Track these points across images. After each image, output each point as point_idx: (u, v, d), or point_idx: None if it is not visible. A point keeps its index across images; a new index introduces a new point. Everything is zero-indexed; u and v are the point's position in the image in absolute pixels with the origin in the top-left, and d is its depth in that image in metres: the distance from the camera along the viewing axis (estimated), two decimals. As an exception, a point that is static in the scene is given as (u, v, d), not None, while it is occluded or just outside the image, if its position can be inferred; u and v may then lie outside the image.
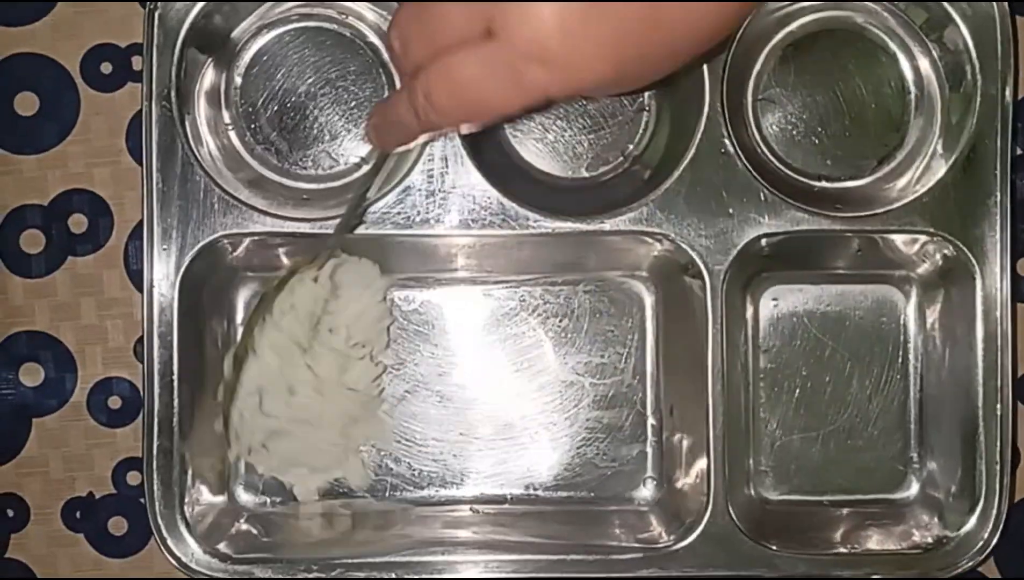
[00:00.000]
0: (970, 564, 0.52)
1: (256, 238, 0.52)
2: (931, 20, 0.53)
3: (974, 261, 0.52)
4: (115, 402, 0.55)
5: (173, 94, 0.51)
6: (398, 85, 0.53)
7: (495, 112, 0.37)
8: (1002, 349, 0.52)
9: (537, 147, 0.55)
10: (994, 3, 0.51)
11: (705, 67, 0.51)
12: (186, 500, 0.51)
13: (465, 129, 0.41)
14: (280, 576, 0.51)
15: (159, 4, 0.51)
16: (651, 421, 0.56)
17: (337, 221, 0.50)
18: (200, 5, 0.51)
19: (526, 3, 0.34)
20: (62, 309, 0.55)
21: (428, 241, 0.52)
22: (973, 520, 0.52)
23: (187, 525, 0.51)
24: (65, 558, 0.55)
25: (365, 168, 0.54)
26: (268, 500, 0.55)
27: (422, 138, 0.43)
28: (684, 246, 0.52)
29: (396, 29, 0.39)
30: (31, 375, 0.55)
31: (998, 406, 0.52)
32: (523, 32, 0.35)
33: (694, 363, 0.52)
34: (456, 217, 0.52)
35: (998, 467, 0.52)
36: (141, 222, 0.52)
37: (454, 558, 0.52)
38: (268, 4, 0.53)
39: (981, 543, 0.52)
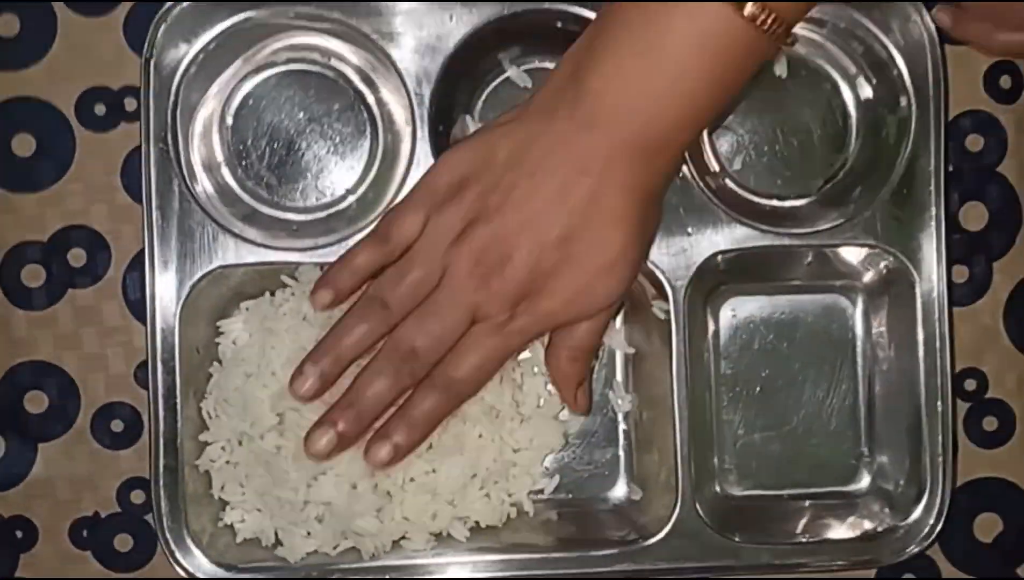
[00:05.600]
0: (918, 549, 0.56)
1: (251, 268, 0.55)
2: (869, 50, 0.58)
3: (913, 270, 0.56)
4: (117, 426, 0.57)
5: (169, 136, 0.54)
6: (379, 125, 0.56)
7: None
8: (941, 350, 0.56)
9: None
10: (924, 34, 0.56)
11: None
12: (191, 514, 0.54)
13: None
14: (282, 585, 0.54)
15: (154, 52, 0.54)
16: (622, 426, 0.60)
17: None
18: (193, 52, 0.54)
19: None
20: (64, 339, 0.57)
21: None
22: (920, 508, 0.56)
23: (193, 538, 0.54)
24: (74, 575, 0.57)
25: (351, 198, 0.57)
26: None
27: None
28: (648, 264, 0.56)
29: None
30: (35, 403, 0.57)
31: (939, 403, 0.56)
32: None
33: (661, 371, 0.56)
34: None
35: (941, 459, 0.56)
36: (138, 255, 0.55)
37: (444, 560, 0.55)
38: (255, 47, 0.56)
39: (927, 529, 0.56)
